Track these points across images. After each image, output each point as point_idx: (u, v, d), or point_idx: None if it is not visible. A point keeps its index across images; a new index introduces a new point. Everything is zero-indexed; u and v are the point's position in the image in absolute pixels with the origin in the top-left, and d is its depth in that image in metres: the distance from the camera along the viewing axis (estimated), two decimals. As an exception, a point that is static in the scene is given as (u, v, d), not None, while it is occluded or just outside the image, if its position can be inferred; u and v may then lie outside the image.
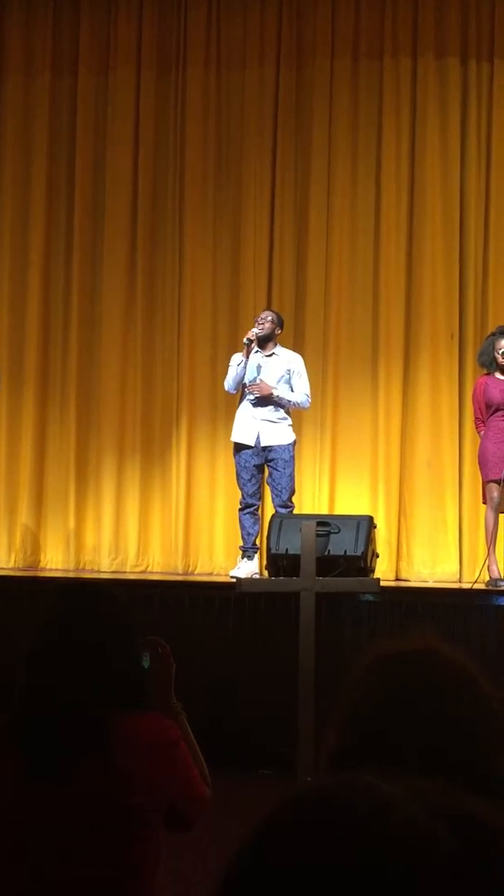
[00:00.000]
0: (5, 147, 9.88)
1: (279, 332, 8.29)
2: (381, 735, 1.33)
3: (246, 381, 8.11)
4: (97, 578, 8.49)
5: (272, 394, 8.06)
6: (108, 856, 2.21)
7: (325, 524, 7.43)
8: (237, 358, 8.20)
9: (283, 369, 8.17)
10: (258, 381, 8.06)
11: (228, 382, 8.20)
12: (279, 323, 8.29)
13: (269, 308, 8.82)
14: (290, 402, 8.13)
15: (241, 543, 8.33)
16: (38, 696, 2.29)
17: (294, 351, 8.50)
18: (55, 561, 9.51)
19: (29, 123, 9.88)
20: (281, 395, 8.08)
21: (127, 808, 2.22)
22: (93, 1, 9.85)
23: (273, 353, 8.20)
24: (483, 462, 7.95)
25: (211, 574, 9.18)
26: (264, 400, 8.10)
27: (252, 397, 8.11)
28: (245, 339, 8.12)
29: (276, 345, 8.25)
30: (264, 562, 7.94)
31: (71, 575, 9.06)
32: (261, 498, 8.40)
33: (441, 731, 1.34)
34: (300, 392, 8.18)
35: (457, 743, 1.33)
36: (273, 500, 8.24)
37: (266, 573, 7.81)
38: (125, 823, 2.22)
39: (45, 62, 9.87)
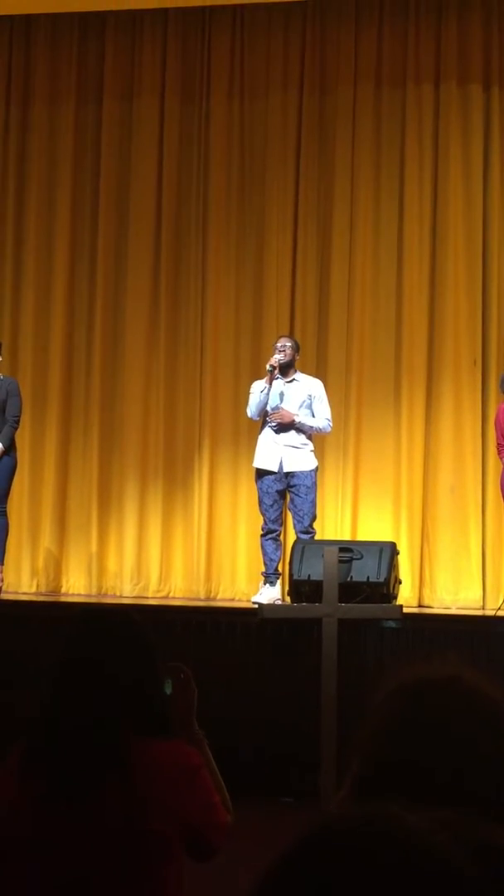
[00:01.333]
0: (31, 173, 9.95)
1: (298, 357, 8.31)
2: (405, 763, 1.32)
3: (269, 407, 8.12)
4: (119, 604, 8.49)
5: (294, 421, 8.07)
6: (129, 883, 2.20)
7: (348, 550, 7.41)
8: (259, 385, 8.21)
9: (304, 395, 8.18)
10: (280, 410, 8.07)
11: (251, 409, 8.20)
12: (297, 348, 8.32)
13: (287, 334, 8.83)
14: (312, 427, 8.14)
15: (263, 569, 8.31)
16: (60, 722, 2.28)
17: (316, 376, 8.51)
18: (77, 586, 9.51)
19: (54, 150, 9.95)
20: (303, 422, 8.09)
21: (148, 835, 2.21)
22: (117, 29, 9.93)
23: (294, 379, 8.22)
24: (506, 488, 7.91)
25: (233, 600, 9.16)
26: (286, 426, 8.11)
27: (274, 424, 8.12)
28: (268, 366, 8.13)
29: (295, 371, 8.26)
30: (286, 588, 7.92)
31: (93, 600, 9.06)
32: (283, 524, 8.39)
33: (466, 759, 1.33)
34: (321, 417, 8.18)
35: (482, 771, 1.32)
36: (295, 525, 8.22)
37: (288, 599, 7.79)
38: (146, 850, 2.21)
39: (70, 90, 9.95)
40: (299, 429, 8.11)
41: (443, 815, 0.79)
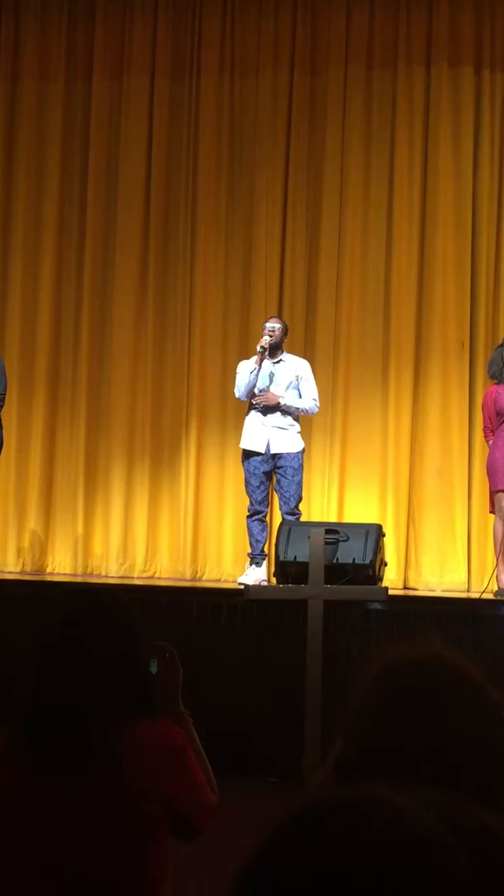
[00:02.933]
0: (19, 151, 9.90)
1: (286, 338, 8.31)
2: (388, 744, 1.32)
3: (258, 388, 8.12)
4: (105, 583, 8.49)
5: (279, 403, 8.07)
6: (114, 863, 2.20)
7: (334, 532, 7.43)
8: (246, 365, 8.21)
9: (291, 375, 8.18)
10: (266, 392, 8.07)
11: (240, 389, 8.20)
12: (286, 330, 8.33)
13: (275, 315, 8.83)
14: (298, 409, 8.14)
15: (249, 550, 8.32)
16: (45, 702, 2.28)
17: (304, 358, 8.51)
18: (63, 566, 9.51)
19: (43, 128, 9.89)
20: (289, 404, 8.09)
21: (133, 815, 2.22)
22: (107, 6, 9.87)
23: (281, 360, 8.22)
24: (492, 471, 7.94)
25: (219, 581, 9.17)
26: (273, 407, 8.11)
27: (260, 406, 8.12)
28: (259, 347, 8.12)
29: (283, 351, 8.27)
30: (272, 569, 7.94)
31: (78, 580, 9.06)
32: (269, 505, 8.40)
33: (447, 740, 1.33)
34: (308, 397, 8.19)
35: (463, 752, 1.33)
36: (281, 507, 8.23)
37: (274, 580, 7.80)
38: (132, 830, 2.22)
39: (60, 67, 9.89)
40: (285, 410, 8.11)
41: (430, 797, 0.79)
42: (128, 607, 2.39)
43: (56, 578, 9.16)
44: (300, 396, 8.19)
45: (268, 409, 8.12)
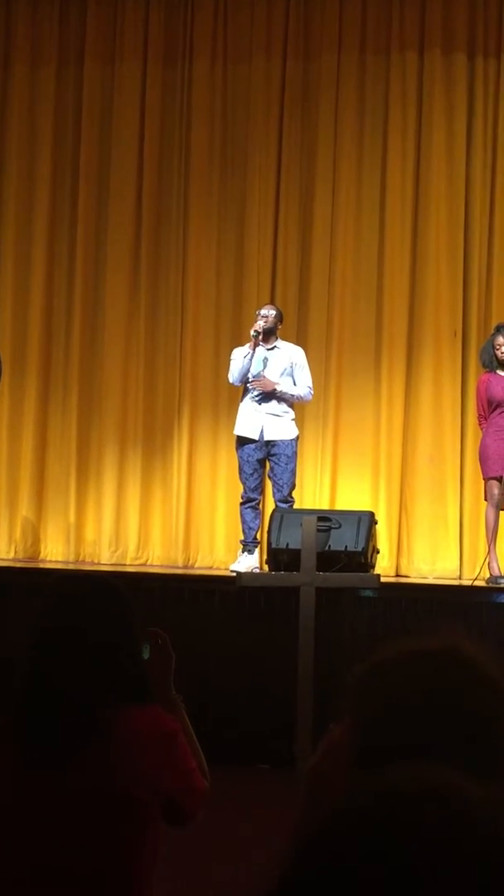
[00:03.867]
0: (10, 137, 9.87)
1: (280, 325, 8.31)
2: (398, 735, 1.32)
3: (251, 374, 8.11)
4: (97, 570, 8.49)
5: (275, 390, 8.07)
6: (106, 849, 2.21)
7: (326, 519, 7.43)
8: (240, 351, 8.21)
9: (285, 362, 8.18)
10: (261, 377, 8.07)
11: (233, 375, 8.19)
12: (280, 317, 8.33)
13: (270, 302, 8.83)
14: (293, 395, 8.14)
15: (241, 537, 8.33)
16: (38, 688, 2.28)
17: (296, 345, 8.51)
18: (55, 553, 9.51)
19: (34, 113, 9.86)
20: (284, 390, 8.09)
21: (125, 801, 2.22)
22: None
23: (275, 347, 8.22)
24: (483, 459, 7.95)
25: (211, 568, 9.17)
26: (268, 394, 8.11)
27: (255, 392, 8.12)
28: (252, 332, 8.12)
29: (277, 338, 8.26)
30: (265, 556, 7.94)
31: (71, 567, 9.06)
32: (262, 492, 8.40)
33: (459, 731, 1.33)
34: (303, 385, 8.19)
35: (473, 743, 1.32)
36: (274, 494, 8.24)
37: (266, 567, 7.81)
38: (124, 816, 2.22)
39: (52, 52, 9.85)
40: (280, 397, 8.11)
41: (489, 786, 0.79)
42: (120, 594, 2.39)
43: (48, 566, 9.16)
44: (294, 384, 8.19)
45: (263, 396, 8.12)
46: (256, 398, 8.12)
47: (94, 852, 2.20)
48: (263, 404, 8.12)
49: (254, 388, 8.10)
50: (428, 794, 0.78)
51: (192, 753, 2.39)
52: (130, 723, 2.25)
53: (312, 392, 8.30)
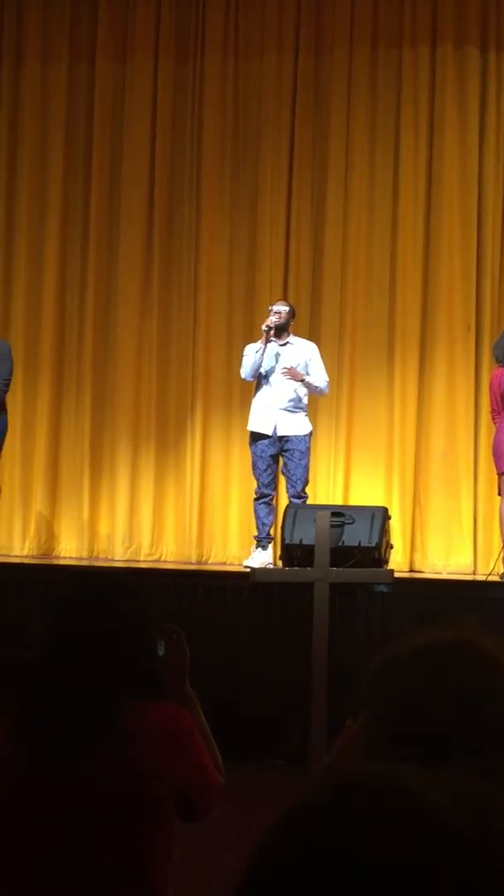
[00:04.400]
0: (22, 133, 9.88)
1: (292, 321, 8.32)
2: (413, 728, 1.32)
3: (263, 369, 8.11)
4: (111, 567, 8.50)
5: (304, 379, 8.05)
6: (121, 844, 2.21)
7: (340, 515, 7.43)
8: (253, 347, 8.21)
9: (300, 358, 8.18)
10: (289, 367, 8.05)
11: (246, 370, 8.20)
12: (293, 313, 8.34)
13: (282, 298, 8.82)
14: (316, 387, 8.15)
15: (255, 533, 8.33)
16: (52, 684, 2.28)
17: (309, 340, 8.51)
18: (69, 549, 9.52)
19: (46, 110, 9.87)
20: (310, 382, 8.10)
21: (140, 797, 2.22)
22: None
23: (287, 343, 8.21)
24: (497, 454, 7.93)
25: (225, 564, 9.17)
26: (282, 389, 8.10)
27: (269, 386, 8.12)
28: (264, 327, 8.12)
29: (289, 334, 8.27)
30: (278, 552, 7.94)
31: (84, 563, 9.07)
32: (276, 488, 8.40)
33: (471, 725, 1.33)
34: (320, 378, 8.21)
35: (486, 737, 1.32)
36: (287, 490, 8.23)
37: (280, 563, 7.81)
38: (138, 812, 2.22)
39: (63, 49, 9.85)
40: (306, 386, 8.10)
41: (454, 779, 0.79)
42: (134, 590, 2.39)
43: (62, 562, 9.17)
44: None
45: (276, 392, 8.11)
46: (270, 392, 8.12)
47: (109, 848, 2.20)
48: (277, 399, 8.12)
49: (285, 374, 8.08)
50: (386, 789, 0.78)
51: (207, 749, 2.39)
52: (144, 718, 2.25)
53: (329, 385, 8.36)
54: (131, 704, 2.25)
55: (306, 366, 8.19)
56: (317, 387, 8.18)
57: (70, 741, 2.22)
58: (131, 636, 2.30)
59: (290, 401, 8.14)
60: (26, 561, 9.13)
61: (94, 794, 2.21)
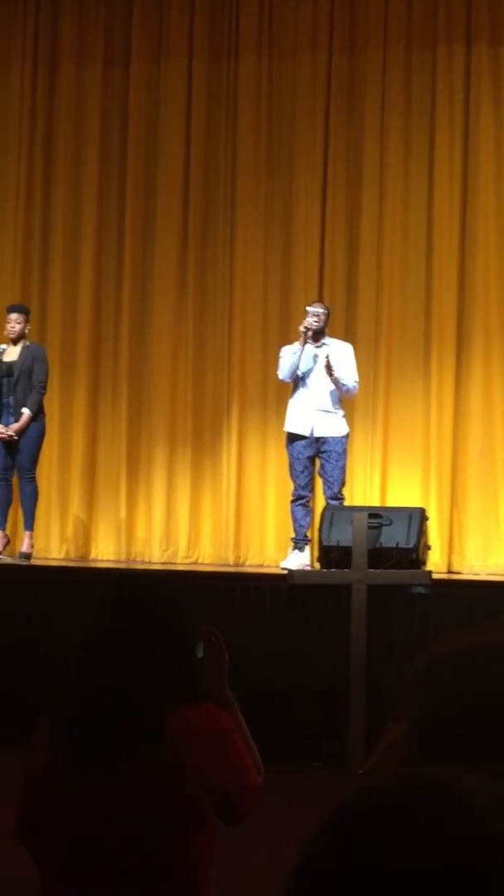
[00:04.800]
0: (58, 137, 9.92)
1: (328, 323, 8.32)
2: (457, 729, 1.31)
3: (301, 370, 8.11)
4: (153, 569, 8.51)
5: (333, 374, 8.00)
6: (162, 846, 2.21)
7: (377, 516, 7.41)
8: (290, 348, 8.20)
9: (334, 358, 8.16)
10: (326, 360, 8.04)
11: (283, 371, 8.19)
12: (329, 315, 8.33)
13: (318, 300, 8.81)
14: (344, 384, 8.10)
15: (292, 535, 8.32)
16: (93, 687, 2.28)
17: (345, 341, 8.50)
18: (106, 552, 9.54)
19: (81, 113, 9.91)
20: (337, 377, 8.05)
21: (181, 799, 2.21)
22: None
23: (324, 344, 8.20)
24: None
25: (262, 566, 9.16)
26: (319, 390, 8.09)
27: (306, 388, 8.11)
28: (302, 328, 8.11)
29: (325, 335, 8.26)
30: (316, 554, 7.93)
31: (122, 566, 9.08)
32: (313, 489, 8.38)
33: None
34: (349, 377, 8.16)
35: None
36: (324, 491, 8.21)
37: (317, 565, 7.79)
38: (179, 815, 2.22)
39: (98, 52, 9.89)
40: (333, 382, 8.05)
41: (498, 781, 0.78)
42: (176, 593, 2.39)
43: (100, 565, 9.19)
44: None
45: (313, 393, 8.10)
46: (307, 393, 8.10)
47: (150, 850, 2.20)
48: (314, 400, 8.11)
49: (306, 384, 8.07)
50: (433, 792, 0.77)
51: (247, 751, 2.38)
52: (185, 721, 2.25)
53: (358, 386, 8.27)
54: (171, 707, 2.25)
55: (336, 366, 8.16)
56: (344, 384, 8.11)
57: (112, 743, 2.22)
58: (173, 639, 2.30)
59: (327, 402, 8.12)
60: (63, 564, 9.15)
61: (136, 797, 2.20)
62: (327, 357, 8.03)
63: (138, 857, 2.20)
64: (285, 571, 7.67)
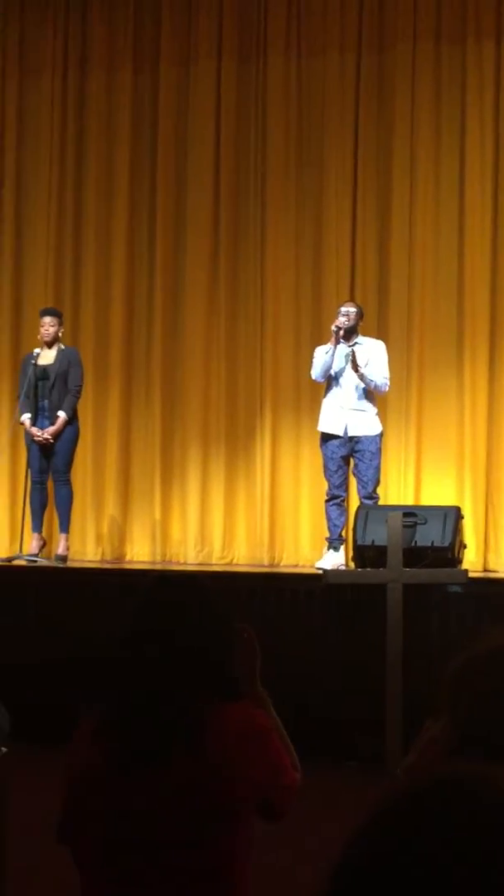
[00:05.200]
0: (89, 140, 9.96)
1: (361, 323, 8.30)
2: (498, 725, 1.31)
3: (333, 370, 8.10)
4: (190, 571, 8.52)
5: (358, 368, 7.99)
6: (201, 846, 2.21)
7: (412, 515, 7.39)
8: (323, 348, 8.20)
9: (367, 357, 8.15)
10: (351, 355, 8.02)
11: (316, 371, 8.18)
12: (361, 314, 8.31)
13: (350, 300, 8.79)
14: (372, 381, 8.07)
15: (327, 535, 8.31)
16: (133, 687, 2.29)
17: (378, 339, 8.48)
18: (141, 553, 9.57)
19: (111, 117, 9.94)
20: (364, 373, 8.03)
21: (220, 797, 2.22)
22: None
23: (356, 343, 8.19)
24: None
25: (297, 566, 9.16)
26: (352, 390, 8.08)
27: (339, 387, 8.10)
28: (334, 327, 8.10)
29: (358, 335, 8.25)
30: (350, 553, 7.92)
31: (157, 567, 9.11)
32: (347, 489, 8.37)
33: None
34: (378, 374, 8.14)
35: None
36: (358, 491, 8.20)
37: (352, 564, 7.78)
38: (220, 814, 2.22)
39: (127, 56, 9.92)
40: (360, 378, 8.04)
41: None
42: (213, 594, 2.40)
43: (135, 566, 9.22)
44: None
45: (346, 392, 8.09)
46: (340, 393, 8.09)
47: (191, 850, 2.21)
48: (347, 399, 8.10)
49: (339, 384, 8.07)
50: (473, 789, 0.78)
51: (284, 749, 2.39)
52: (225, 720, 2.25)
53: (388, 384, 8.24)
54: (211, 707, 2.26)
55: (367, 362, 8.15)
56: (372, 380, 8.08)
57: (153, 744, 2.23)
58: (213, 639, 2.31)
59: (360, 401, 8.11)
60: (99, 566, 9.18)
61: (177, 796, 2.21)
62: (353, 352, 8.02)
63: (179, 857, 2.20)
64: (320, 571, 7.66)
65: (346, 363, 8.10)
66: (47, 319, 8.68)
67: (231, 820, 2.24)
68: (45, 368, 8.56)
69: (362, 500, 8.04)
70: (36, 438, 8.52)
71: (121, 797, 2.24)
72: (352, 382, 8.12)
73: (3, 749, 3.43)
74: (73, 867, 2.33)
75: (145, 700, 2.26)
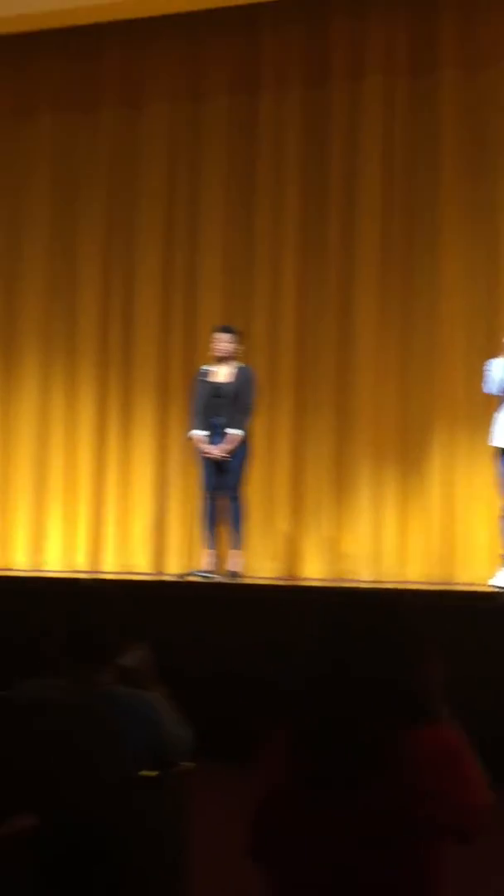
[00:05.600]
0: (259, 161, 10.06)
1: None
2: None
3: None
4: (376, 588, 8.48)
5: None
6: (398, 868, 2.20)
7: None
8: (497, 361, 8.07)
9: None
10: None
11: (492, 383, 8.06)
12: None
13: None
14: None
15: (501, 551, 8.18)
16: (325, 710, 2.28)
17: None
18: (314, 570, 9.57)
19: (281, 139, 10.02)
20: None
21: (417, 820, 2.20)
22: (343, 12, 9.89)
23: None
24: None
25: (471, 584, 9.03)
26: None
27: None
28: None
29: (533, 348, 8.11)
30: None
31: (330, 585, 9.09)
32: (523, 504, 8.22)
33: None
34: None
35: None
36: (534, 506, 8.05)
37: (530, 582, 7.63)
38: (415, 836, 2.20)
39: (297, 75, 9.99)
40: None
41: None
42: (404, 614, 2.37)
43: (310, 583, 9.22)
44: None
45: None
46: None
47: (387, 872, 2.19)
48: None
49: None
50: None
51: (477, 769, 2.35)
52: (420, 743, 2.23)
53: None
54: (407, 730, 2.23)
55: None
56: None
57: (348, 768, 2.22)
58: (403, 661, 2.29)
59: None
60: (273, 583, 9.21)
61: (373, 818, 2.20)
62: None
63: (374, 878, 2.19)
64: (495, 589, 7.54)
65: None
66: (223, 336, 8.78)
67: (427, 842, 2.21)
68: (218, 385, 8.66)
69: (539, 516, 7.88)
70: (210, 455, 8.61)
71: (317, 817, 2.24)
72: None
73: (190, 764, 3.45)
74: (260, 886, 2.32)
75: (341, 724, 2.24)
